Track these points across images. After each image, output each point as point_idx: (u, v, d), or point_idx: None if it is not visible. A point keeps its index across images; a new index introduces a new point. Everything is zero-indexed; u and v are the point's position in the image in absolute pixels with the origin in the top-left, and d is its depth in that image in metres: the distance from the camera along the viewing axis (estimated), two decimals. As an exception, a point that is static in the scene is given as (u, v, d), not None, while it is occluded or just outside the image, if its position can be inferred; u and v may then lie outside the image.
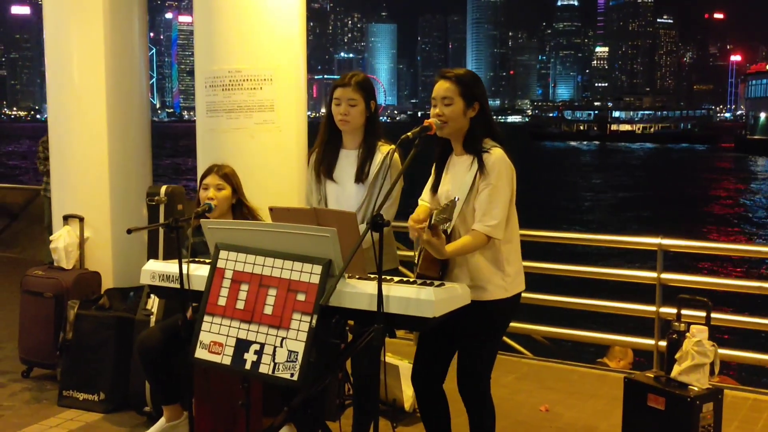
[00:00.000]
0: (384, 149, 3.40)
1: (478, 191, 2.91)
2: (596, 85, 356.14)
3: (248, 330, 2.73)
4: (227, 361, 2.74)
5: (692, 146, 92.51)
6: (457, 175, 3.04)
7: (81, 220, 5.03)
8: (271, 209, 3.04)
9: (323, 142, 3.50)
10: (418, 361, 3.17)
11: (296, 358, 2.59)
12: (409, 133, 2.84)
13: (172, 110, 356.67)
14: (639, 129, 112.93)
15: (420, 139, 2.84)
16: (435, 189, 3.16)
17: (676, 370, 3.29)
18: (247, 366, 2.68)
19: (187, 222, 3.37)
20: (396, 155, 3.29)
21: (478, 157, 2.93)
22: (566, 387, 4.87)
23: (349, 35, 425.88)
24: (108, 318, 4.42)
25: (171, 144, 79.72)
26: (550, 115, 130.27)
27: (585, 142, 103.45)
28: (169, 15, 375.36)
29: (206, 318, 2.83)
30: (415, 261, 3.03)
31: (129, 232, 3.31)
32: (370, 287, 2.64)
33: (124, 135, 5.19)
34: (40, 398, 4.55)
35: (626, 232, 6.47)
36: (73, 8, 5.05)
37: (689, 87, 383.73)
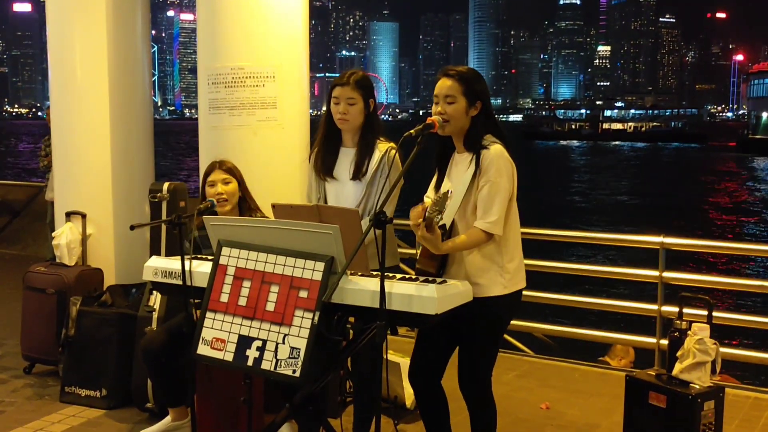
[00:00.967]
0: (382, 147, 3.39)
1: (478, 188, 2.92)
2: (598, 84, 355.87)
3: (250, 326, 2.73)
4: (229, 357, 2.74)
5: (683, 145, 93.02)
6: (458, 173, 3.04)
7: (83, 216, 5.04)
8: (273, 206, 3.05)
9: (323, 141, 3.49)
10: (415, 357, 3.17)
11: (298, 355, 2.60)
12: (412, 131, 2.83)
13: (173, 108, 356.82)
14: (630, 128, 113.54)
15: (423, 137, 2.84)
16: (437, 187, 3.16)
17: (677, 368, 3.29)
18: (250, 362, 2.69)
19: (189, 218, 3.37)
20: (395, 153, 3.28)
21: (477, 154, 2.93)
22: (567, 385, 4.87)
23: (351, 33, 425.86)
24: (110, 314, 4.43)
25: (174, 141, 79.69)
26: (543, 114, 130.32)
27: (575, 141, 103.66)
28: (170, 13, 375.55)
29: (208, 314, 2.83)
30: (417, 257, 3.04)
31: (132, 228, 3.31)
32: (372, 284, 2.64)
33: (126, 132, 5.19)
34: (42, 394, 4.56)
35: (628, 231, 6.46)
36: (76, 6, 5.05)
37: (691, 86, 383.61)
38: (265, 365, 2.65)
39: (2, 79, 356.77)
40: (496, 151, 2.92)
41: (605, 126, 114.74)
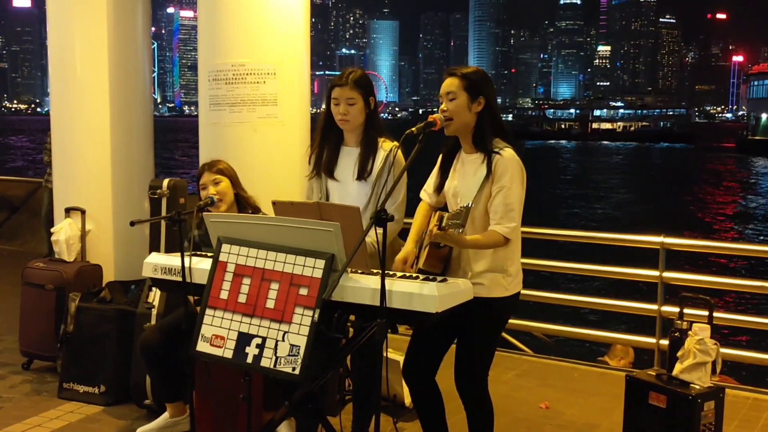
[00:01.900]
0: (386, 146, 3.37)
1: (491, 193, 2.91)
2: (598, 84, 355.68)
3: (250, 324, 2.72)
4: (229, 354, 2.73)
5: (672, 145, 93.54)
6: (467, 173, 3.03)
7: (83, 212, 5.03)
8: (274, 203, 3.03)
9: (323, 141, 3.46)
10: (410, 355, 3.17)
11: (298, 353, 2.59)
12: (413, 129, 2.82)
13: (172, 105, 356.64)
14: (620, 127, 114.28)
15: (424, 134, 2.83)
16: (440, 187, 3.15)
17: (677, 368, 3.29)
18: (249, 360, 2.68)
19: (189, 215, 3.36)
20: (399, 152, 3.26)
21: (489, 158, 2.93)
22: (567, 385, 4.87)
23: (351, 31, 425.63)
24: (109, 311, 4.42)
25: (172, 138, 79.68)
26: (532, 114, 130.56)
27: (564, 141, 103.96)
28: (170, 9, 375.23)
29: (208, 311, 2.82)
30: (416, 257, 3.03)
31: (132, 224, 3.31)
32: (372, 282, 2.64)
33: (126, 128, 5.18)
34: (41, 390, 4.55)
35: (628, 231, 6.46)
36: (77, 1, 5.03)
37: (691, 87, 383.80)
38: (265, 363, 2.64)
39: (1, 75, 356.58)
40: (509, 156, 2.92)
41: (594, 126, 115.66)
